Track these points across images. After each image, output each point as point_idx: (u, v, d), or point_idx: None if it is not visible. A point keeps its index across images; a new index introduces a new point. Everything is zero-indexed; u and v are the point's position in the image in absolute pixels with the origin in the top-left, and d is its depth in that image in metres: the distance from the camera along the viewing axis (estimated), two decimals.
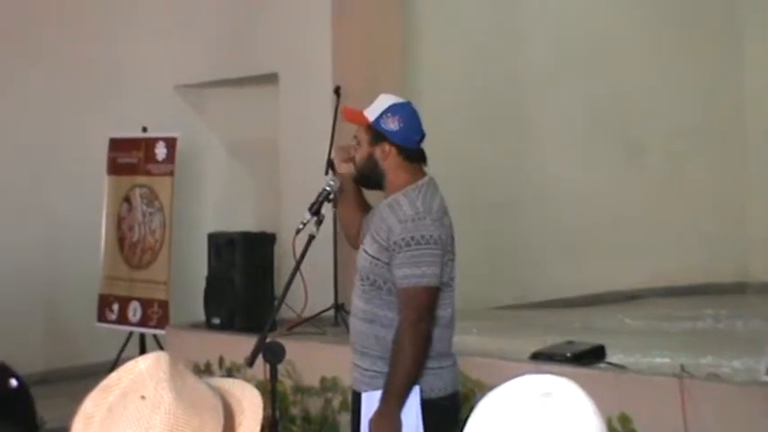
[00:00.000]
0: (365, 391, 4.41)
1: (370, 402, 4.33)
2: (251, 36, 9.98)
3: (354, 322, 4.54)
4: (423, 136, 4.51)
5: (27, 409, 2.21)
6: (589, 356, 6.58)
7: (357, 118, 4.54)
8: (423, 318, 4.26)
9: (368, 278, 4.41)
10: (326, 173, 8.03)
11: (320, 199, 4.70)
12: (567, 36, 11.04)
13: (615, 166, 11.29)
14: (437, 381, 4.35)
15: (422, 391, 4.28)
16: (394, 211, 4.35)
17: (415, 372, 4.25)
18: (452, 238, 4.41)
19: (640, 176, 11.36)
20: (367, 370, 4.43)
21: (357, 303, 4.50)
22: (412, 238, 4.25)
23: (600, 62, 11.15)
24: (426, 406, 4.28)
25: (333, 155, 4.83)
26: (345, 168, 4.68)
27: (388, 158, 4.43)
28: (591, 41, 11.10)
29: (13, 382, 2.20)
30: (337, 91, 8.77)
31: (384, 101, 4.49)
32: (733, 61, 11.63)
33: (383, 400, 4.28)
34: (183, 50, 10.76)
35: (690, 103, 11.41)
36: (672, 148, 11.47)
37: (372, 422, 4.29)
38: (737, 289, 10.97)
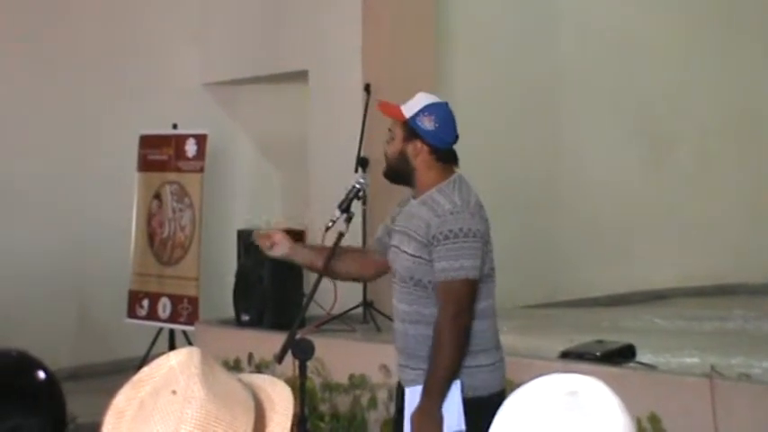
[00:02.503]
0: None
1: (413, 397, 4.33)
2: (281, 33, 9.98)
3: (398, 325, 4.52)
4: (456, 138, 4.51)
5: (55, 402, 2.21)
6: (618, 356, 6.57)
7: (394, 112, 4.54)
8: (462, 311, 4.26)
9: (411, 278, 4.40)
10: (356, 170, 8.04)
11: (350, 196, 4.71)
12: (599, 35, 11.00)
13: (646, 165, 11.25)
14: (486, 378, 4.34)
15: (468, 389, 4.28)
16: (430, 207, 4.35)
17: (455, 366, 4.25)
18: (489, 232, 4.42)
19: (671, 176, 11.31)
20: (415, 369, 4.41)
21: (399, 306, 4.49)
22: (450, 231, 4.26)
23: (632, 61, 11.11)
24: (476, 404, 4.26)
25: (256, 239, 4.74)
26: (276, 250, 4.65)
27: (419, 156, 4.43)
28: (623, 40, 11.06)
29: (41, 375, 2.21)
30: (367, 88, 8.77)
31: (422, 99, 4.49)
32: (765, 59, 11.55)
33: (424, 395, 4.28)
34: (213, 48, 10.80)
35: (722, 101, 11.35)
36: (703, 147, 11.43)
37: (413, 417, 4.29)
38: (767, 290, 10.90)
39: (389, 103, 4.63)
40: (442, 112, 4.47)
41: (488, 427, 4.36)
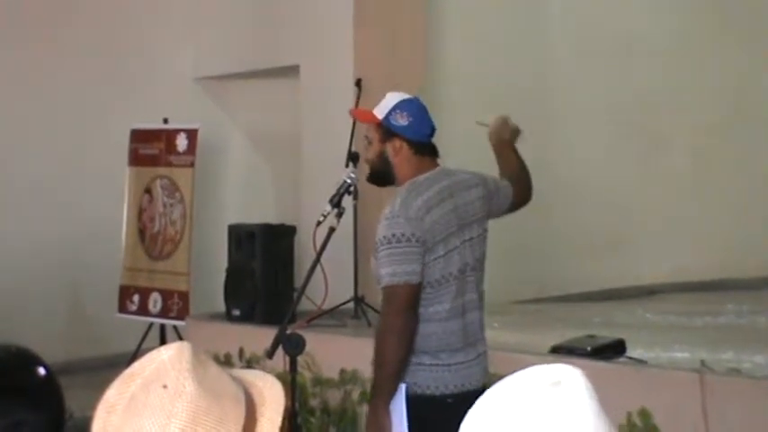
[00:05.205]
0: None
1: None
2: (272, 28, 9.98)
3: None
4: (433, 130, 4.52)
5: (55, 398, 2.22)
6: (609, 351, 6.57)
7: (367, 117, 4.59)
8: (397, 315, 4.26)
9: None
10: (347, 165, 8.04)
11: (341, 191, 4.74)
12: (591, 31, 11.00)
13: (638, 161, 11.25)
14: (427, 376, 4.33)
15: (419, 388, 4.30)
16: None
17: (394, 368, 4.26)
18: (450, 233, 4.37)
19: (663, 171, 11.32)
20: None
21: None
22: (384, 236, 4.28)
23: (625, 58, 11.11)
24: (425, 402, 4.30)
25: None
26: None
27: (399, 154, 4.45)
28: (616, 37, 11.06)
29: (41, 371, 2.22)
30: (358, 83, 8.77)
31: (392, 98, 4.52)
32: (760, 57, 11.55)
33: (371, 397, 4.36)
34: (204, 42, 10.79)
35: (714, 99, 11.35)
36: (695, 143, 11.43)
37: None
38: (759, 284, 10.90)
39: (360, 109, 4.66)
40: (413, 106, 4.49)
41: (424, 423, 4.36)
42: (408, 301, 4.26)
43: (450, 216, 4.38)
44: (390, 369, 4.26)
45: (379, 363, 4.28)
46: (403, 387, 4.28)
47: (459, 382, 4.36)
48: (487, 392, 1.72)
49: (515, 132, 4.96)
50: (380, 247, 4.28)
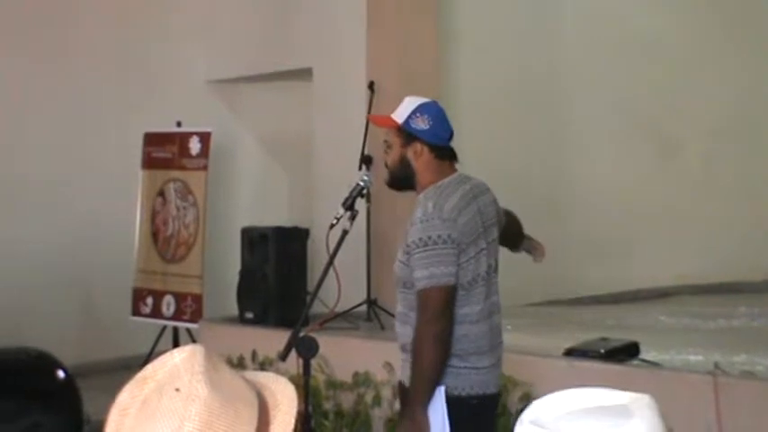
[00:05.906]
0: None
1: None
2: (285, 31, 9.99)
3: (395, 324, 4.59)
4: (452, 133, 4.53)
5: (74, 401, 2.23)
6: (623, 353, 6.55)
7: (386, 122, 4.59)
8: (435, 318, 4.27)
9: (399, 279, 4.45)
10: (360, 168, 8.04)
11: (354, 194, 4.74)
12: (603, 35, 10.98)
13: (649, 164, 11.24)
14: (461, 380, 4.34)
15: (447, 389, 4.30)
16: (414, 212, 4.39)
17: (433, 372, 4.27)
18: (478, 235, 4.40)
19: (674, 174, 11.30)
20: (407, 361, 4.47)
21: (396, 306, 4.56)
22: (420, 239, 4.28)
23: (635, 61, 11.09)
24: (452, 403, 4.29)
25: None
26: None
27: (420, 158, 4.46)
28: (627, 41, 11.05)
29: (60, 374, 2.23)
30: (371, 86, 8.76)
31: (410, 102, 4.52)
32: None
33: (408, 401, 4.33)
34: (217, 45, 10.80)
35: (725, 102, 11.33)
36: (706, 146, 11.41)
37: (398, 424, 4.32)
38: None
39: (378, 115, 4.64)
40: (432, 110, 4.50)
41: (463, 425, 4.36)
42: (445, 303, 4.28)
43: (476, 218, 4.42)
44: (429, 374, 4.27)
45: (419, 370, 4.29)
46: (442, 389, 4.29)
47: (484, 386, 4.39)
48: (547, 405, 1.67)
49: (540, 256, 5.58)
50: (416, 249, 4.28)
